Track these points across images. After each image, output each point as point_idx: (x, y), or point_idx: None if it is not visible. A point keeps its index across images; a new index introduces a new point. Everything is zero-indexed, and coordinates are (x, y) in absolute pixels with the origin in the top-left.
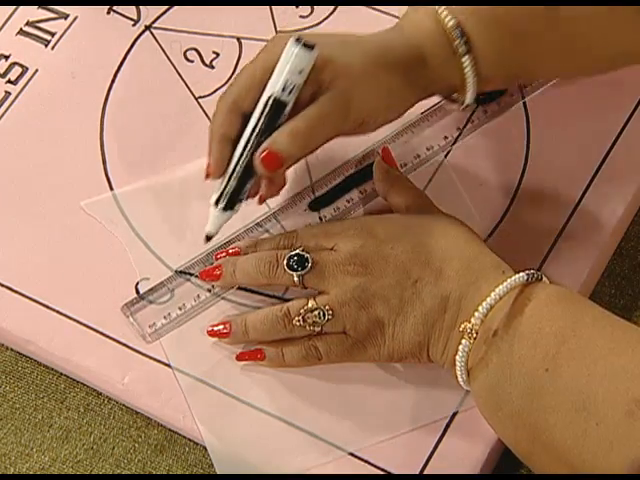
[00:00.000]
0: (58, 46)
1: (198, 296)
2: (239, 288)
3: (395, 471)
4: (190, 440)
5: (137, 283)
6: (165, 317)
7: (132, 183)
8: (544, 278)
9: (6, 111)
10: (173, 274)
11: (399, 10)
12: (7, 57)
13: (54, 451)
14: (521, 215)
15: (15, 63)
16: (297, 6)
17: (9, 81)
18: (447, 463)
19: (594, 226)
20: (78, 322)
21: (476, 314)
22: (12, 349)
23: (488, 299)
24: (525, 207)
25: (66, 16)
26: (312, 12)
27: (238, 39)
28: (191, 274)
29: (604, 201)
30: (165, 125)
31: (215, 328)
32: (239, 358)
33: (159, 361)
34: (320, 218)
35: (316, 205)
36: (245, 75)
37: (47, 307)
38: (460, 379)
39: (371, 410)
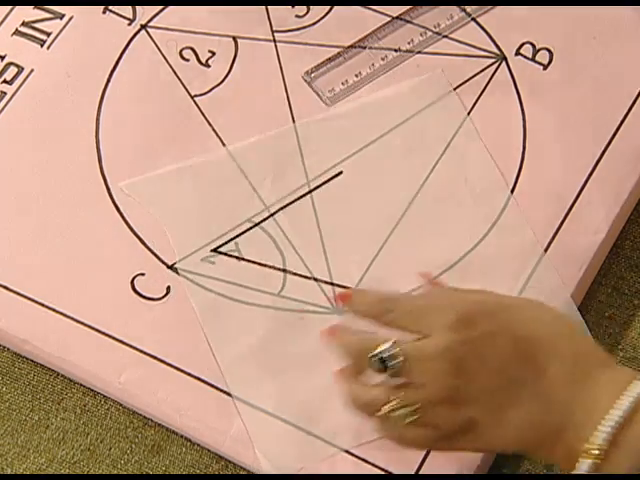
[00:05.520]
0: (54, 46)
1: None
2: None
3: (391, 469)
4: (187, 440)
5: (132, 280)
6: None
7: (130, 181)
8: None
9: (2, 111)
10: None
11: (395, 10)
12: (3, 57)
13: (51, 452)
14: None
15: (11, 63)
16: (293, 6)
17: (5, 81)
18: (443, 461)
19: (590, 225)
20: (74, 320)
21: (600, 434)
22: (9, 350)
23: (615, 417)
24: (521, 206)
25: (62, 16)
26: (308, 12)
27: (234, 38)
28: (226, 254)
29: (601, 199)
30: (161, 124)
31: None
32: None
33: (156, 358)
34: None
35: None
36: None
37: (43, 306)
38: None
39: None
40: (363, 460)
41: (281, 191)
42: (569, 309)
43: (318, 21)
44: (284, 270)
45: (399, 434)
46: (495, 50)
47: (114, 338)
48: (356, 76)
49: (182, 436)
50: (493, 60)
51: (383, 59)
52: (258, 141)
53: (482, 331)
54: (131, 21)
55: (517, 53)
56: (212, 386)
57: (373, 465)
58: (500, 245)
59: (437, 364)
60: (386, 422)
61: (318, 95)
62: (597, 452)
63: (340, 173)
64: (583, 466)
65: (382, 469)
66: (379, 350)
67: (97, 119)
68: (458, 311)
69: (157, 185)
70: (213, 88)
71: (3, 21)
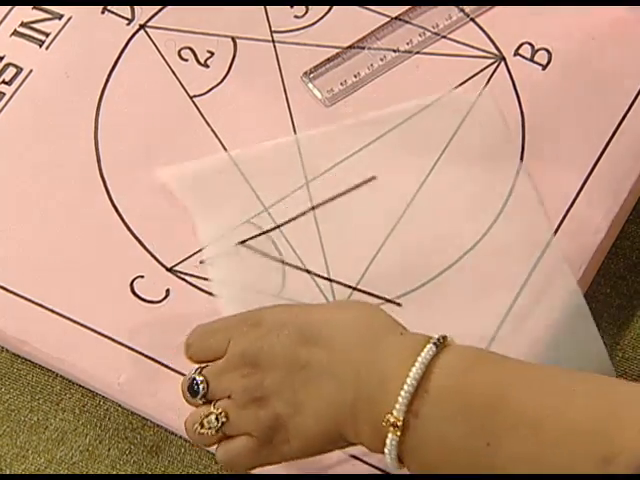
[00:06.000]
0: (52, 46)
1: None
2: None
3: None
4: (186, 441)
5: (132, 282)
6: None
7: (129, 182)
8: (448, 338)
9: (0, 111)
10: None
11: (394, 10)
12: (1, 58)
13: (50, 453)
14: (515, 215)
15: (9, 64)
16: (292, 6)
17: (4, 82)
18: None
19: (589, 224)
20: (73, 321)
21: (398, 406)
22: (8, 351)
23: (406, 387)
24: (519, 207)
25: (60, 16)
26: (307, 12)
27: (233, 38)
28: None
29: (600, 199)
30: (159, 124)
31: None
32: None
33: (155, 360)
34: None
35: None
36: None
37: (42, 307)
38: (391, 467)
39: None
40: (362, 460)
41: (281, 193)
42: (575, 296)
43: (317, 21)
44: (283, 268)
45: (222, 453)
46: (494, 50)
47: (113, 339)
48: (355, 76)
49: (181, 437)
50: (492, 60)
51: (382, 59)
52: (263, 147)
53: (271, 326)
54: (130, 21)
55: (516, 53)
56: None
57: (372, 465)
58: (510, 232)
59: (235, 372)
60: (203, 435)
61: (317, 96)
62: (400, 424)
63: (373, 178)
64: (394, 442)
65: (381, 469)
66: (184, 382)
67: (96, 119)
68: (247, 317)
69: (190, 175)
70: (212, 88)
71: (2, 22)
